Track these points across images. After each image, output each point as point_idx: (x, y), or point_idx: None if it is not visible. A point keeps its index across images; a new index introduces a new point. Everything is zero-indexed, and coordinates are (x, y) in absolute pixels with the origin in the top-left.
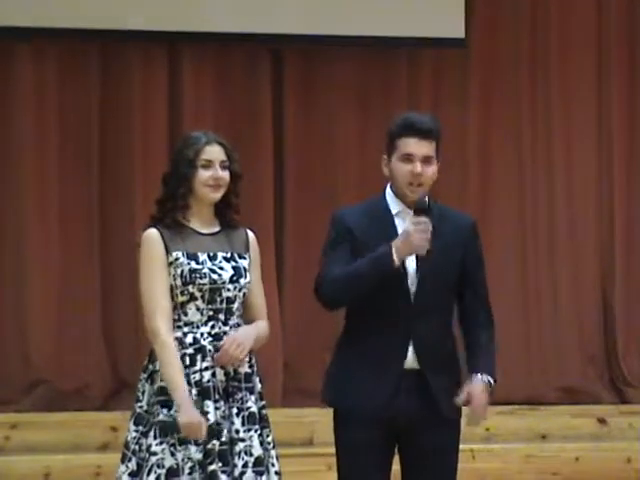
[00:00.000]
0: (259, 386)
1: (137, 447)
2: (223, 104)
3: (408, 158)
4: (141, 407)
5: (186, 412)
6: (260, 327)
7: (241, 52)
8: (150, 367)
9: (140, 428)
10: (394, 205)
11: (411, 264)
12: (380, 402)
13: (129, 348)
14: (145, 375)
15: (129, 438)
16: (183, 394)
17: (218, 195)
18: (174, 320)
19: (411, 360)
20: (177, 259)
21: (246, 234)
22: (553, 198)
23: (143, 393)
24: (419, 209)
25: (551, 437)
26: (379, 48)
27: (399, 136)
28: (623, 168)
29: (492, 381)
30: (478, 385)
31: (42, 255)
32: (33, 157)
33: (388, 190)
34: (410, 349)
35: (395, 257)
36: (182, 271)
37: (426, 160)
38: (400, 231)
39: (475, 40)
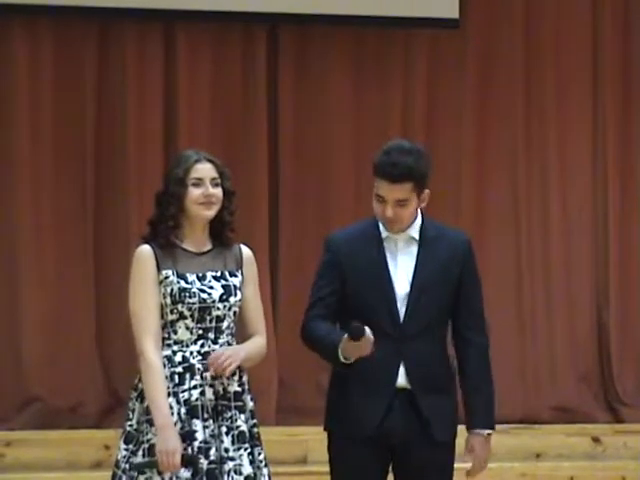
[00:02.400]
0: (250, 404)
1: (127, 466)
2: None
3: (381, 200)
4: (131, 426)
5: (163, 438)
6: (255, 344)
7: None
8: (140, 385)
9: (130, 447)
10: (385, 229)
11: (402, 285)
12: (372, 421)
13: (124, 365)
14: (135, 393)
15: (119, 457)
16: (164, 418)
17: (211, 213)
18: (164, 338)
19: (402, 380)
20: (167, 277)
21: (240, 250)
22: (548, 216)
23: (133, 411)
24: (354, 335)
25: (546, 456)
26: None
27: (375, 174)
28: (617, 186)
29: (492, 431)
30: (480, 441)
31: (36, 272)
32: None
33: None
34: (401, 369)
35: (342, 358)
36: (172, 290)
37: (399, 202)
38: (388, 256)
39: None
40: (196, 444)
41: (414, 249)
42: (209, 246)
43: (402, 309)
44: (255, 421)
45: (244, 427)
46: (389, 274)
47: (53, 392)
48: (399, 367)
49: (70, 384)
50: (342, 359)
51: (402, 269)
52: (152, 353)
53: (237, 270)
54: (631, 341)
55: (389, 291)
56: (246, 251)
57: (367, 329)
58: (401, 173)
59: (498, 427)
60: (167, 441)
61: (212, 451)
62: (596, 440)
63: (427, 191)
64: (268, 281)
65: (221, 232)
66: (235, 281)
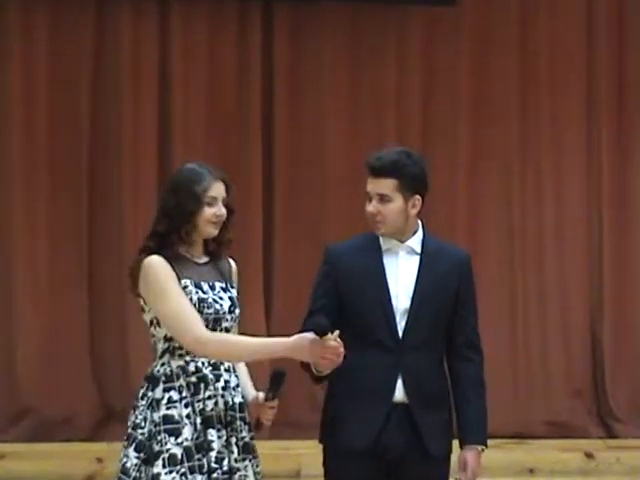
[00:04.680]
0: (248, 417)
1: (138, 474)
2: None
3: (367, 197)
4: (143, 434)
5: (297, 351)
6: (249, 378)
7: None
8: (150, 394)
9: (141, 455)
10: (385, 241)
11: (402, 299)
12: (369, 435)
13: (117, 378)
14: (144, 402)
15: (128, 465)
16: (277, 348)
17: (217, 232)
18: (177, 348)
19: (400, 394)
20: (186, 287)
21: (229, 263)
22: (542, 232)
23: (145, 420)
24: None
25: (539, 471)
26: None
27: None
28: (612, 203)
29: (485, 447)
30: (474, 456)
31: (30, 284)
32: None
33: None
34: (399, 383)
35: (314, 370)
36: (191, 299)
37: (382, 198)
38: (388, 269)
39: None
40: (213, 454)
41: (415, 262)
42: (206, 258)
43: (401, 323)
44: (252, 433)
45: (248, 438)
46: (388, 287)
47: (46, 404)
48: (397, 381)
49: (63, 397)
50: (314, 371)
51: (402, 282)
52: (217, 334)
53: (233, 282)
54: (625, 356)
55: (388, 304)
56: (234, 264)
57: (335, 332)
58: (383, 165)
59: (491, 442)
60: (299, 349)
61: (225, 461)
62: (589, 455)
63: (418, 197)
64: (261, 292)
65: (217, 247)
66: (234, 293)
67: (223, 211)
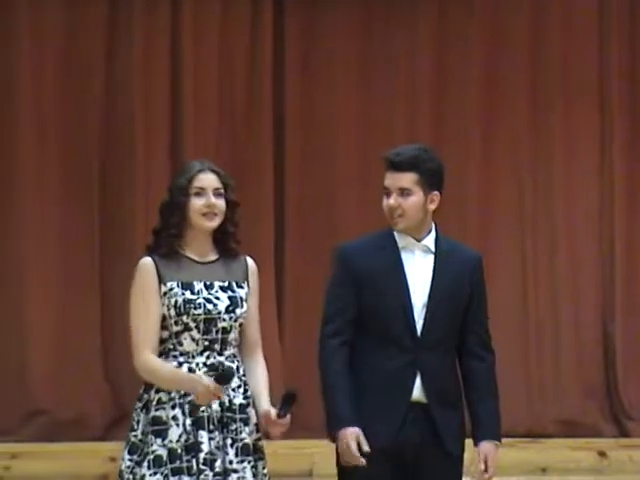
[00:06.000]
0: (255, 418)
1: (131, 476)
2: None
3: (386, 192)
4: (135, 436)
5: (192, 387)
6: (265, 380)
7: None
8: (145, 396)
9: (134, 457)
10: (401, 239)
11: (419, 297)
12: (387, 434)
13: (129, 378)
14: (140, 404)
15: (123, 467)
16: (182, 382)
17: (213, 224)
18: (170, 350)
19: (418, 393)
20: (171, 289)
21: (246, 262)
22: (555, 229)
23: (138, 422)
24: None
25: (551, 470)
26: None
27: (385, 167)
28: (624, 198)
29: (500, 441)
30: (492, 451)
31: (42, 285)
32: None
33: None
34: (417, 381)
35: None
36: (176, 301)
37: (402, 192)
38: (406, 267)
39: None
40: (202, 455)
41: (430, 261)
42: (214, 256)
43: (419, 321)
44: (260, 435)
45: (248, 440)
46: (407, 285)
47: (59, 404)
48: (415, 380)
49: (76, 396)
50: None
51: (419, 280)
52: (150, 359)
53: (243, 281)
54: (637, 354)
55: (408, 302)
56: (251, 263)
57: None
58: (404, 160)
59: (504, 441)
60: (196, 385)
61: (217, 463)
62: (602, 454)
63: (436, 193)
64: (273, 292)
65: (224, 243)
66: (242, 292)
67: (214, 201)
